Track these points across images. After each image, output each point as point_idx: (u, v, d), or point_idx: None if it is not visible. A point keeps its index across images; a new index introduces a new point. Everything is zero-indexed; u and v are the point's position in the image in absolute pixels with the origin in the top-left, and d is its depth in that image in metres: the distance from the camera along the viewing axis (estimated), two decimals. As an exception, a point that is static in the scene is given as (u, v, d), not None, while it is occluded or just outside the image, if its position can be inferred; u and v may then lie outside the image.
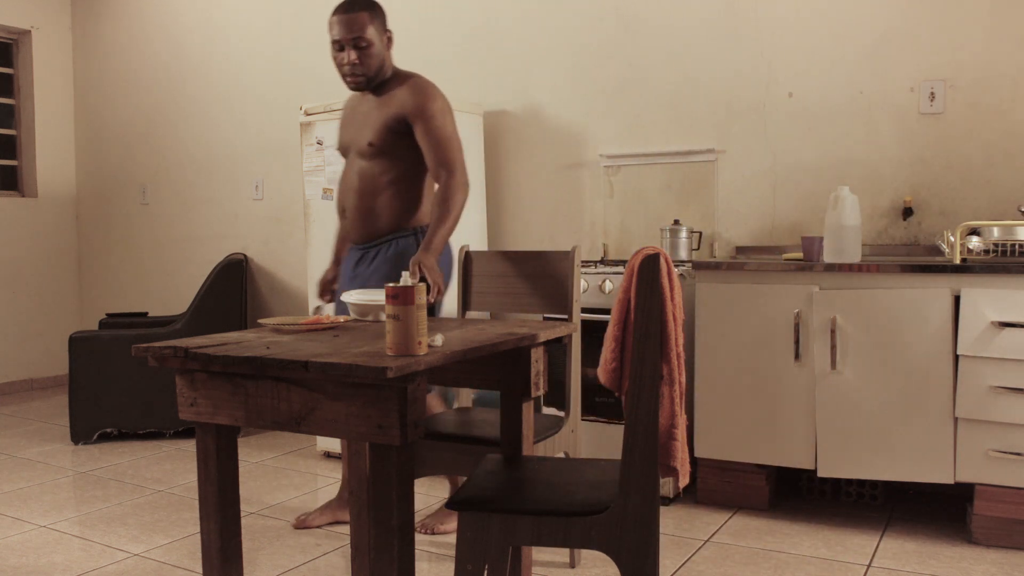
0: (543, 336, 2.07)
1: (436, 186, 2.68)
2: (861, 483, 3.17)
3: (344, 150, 2.86)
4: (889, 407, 2.84)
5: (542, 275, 2.69)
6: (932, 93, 3.29)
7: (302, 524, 3.02)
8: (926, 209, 3.33)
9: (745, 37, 3.62)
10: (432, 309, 2.65)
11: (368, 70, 2.70)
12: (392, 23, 4.58)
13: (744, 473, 3.13)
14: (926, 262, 2.87)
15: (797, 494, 3.27)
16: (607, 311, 3.26)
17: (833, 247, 2.96)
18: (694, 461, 3.19)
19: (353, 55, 2.66)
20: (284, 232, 4.95)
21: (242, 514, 3.16)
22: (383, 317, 2.25)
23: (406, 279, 1.70)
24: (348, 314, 2.64)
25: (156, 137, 5.51)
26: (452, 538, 2.88)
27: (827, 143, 3.48)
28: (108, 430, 4.28)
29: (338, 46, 2.68)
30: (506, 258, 2.78)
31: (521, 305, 2.72)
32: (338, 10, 2.69)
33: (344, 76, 2.72)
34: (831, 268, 2.91)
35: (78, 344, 4.24)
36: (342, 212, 2.85)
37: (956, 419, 2.76)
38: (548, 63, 4.08)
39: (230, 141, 5.14)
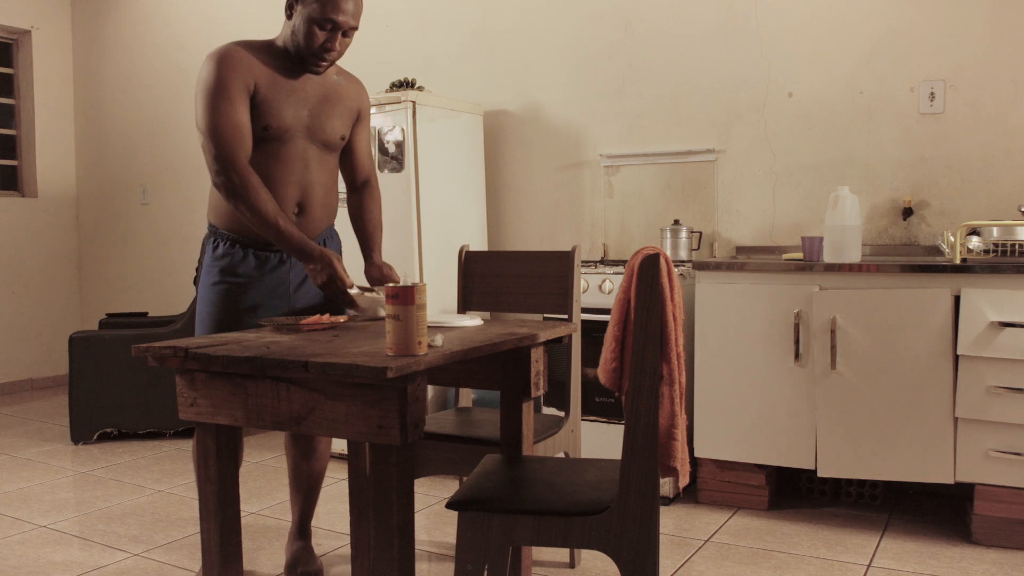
0: (543, 336, 2.07)
1: (364, 187, 2.60)
2: (861, 483, 3.17)
3: (287, 131, 2.35)
4: (889, 407, 2.84)
5: (542, 275, 2.68)
6: (932, 93, 3.29)
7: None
8: (926, 209, 3.33)
9: (745, 37, 3.62)
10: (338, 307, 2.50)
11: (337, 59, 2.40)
12: (392, 23, 4.61)
13: (744, 473, 3.13)
14: (926, 262, 2.87)
15: (797, 494, 3.27)
16: (607, 311, 3.26)
17: (833, 247, 2.96)
18: (694, 461, 3.19)
19: (339, 43, 2.32)
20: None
21: (242, 514, 3.16)
22: (381, 313, 2.25)
23: (406, 279, 1.70)
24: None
25: (156, 137, 5.51)
26: (452, 538, 2.88)
27: (827, 143, 3.48)
28: (108, 430, 4.28)
29: (330, 26, 2.26)
30: (506, 258, 2.78)
31: (521, 305, 2.72)
32: None
33: (317, 59, 2.32)
34: (831, 268, 2.91)
35: (78, 344, 4.23)
36: (294, 207, 2.40)
37: (956, 419, 2.76)
38: (548, 63, 4.08)
39: (230, 141, 5.13)
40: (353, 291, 2.28)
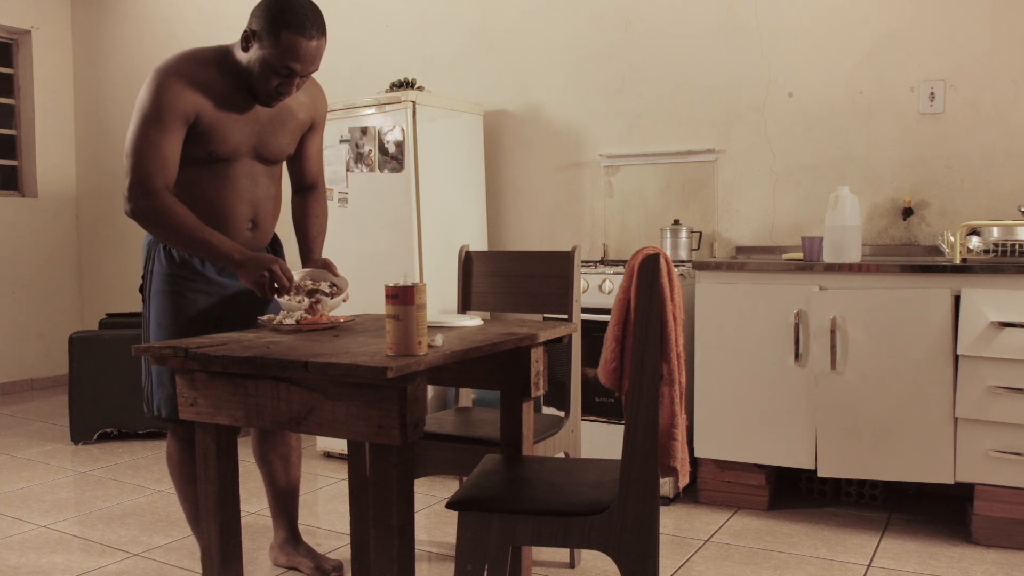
0: (543, 336, 2.07)
1: (311, 190, 2.60)
2: (861, 483, 3.17)
3: (233, 152, 2.29)
4: (889, 407, 2.84)
5: (542, 275, 2.68)
6: (932, 93, 3.29)
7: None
8: (926, 209, 3.33)
9: (745, 37, 3.62)
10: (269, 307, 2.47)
11: None
12: (392, 23, 4.61)
13: (744, 473, 3.13)
14: (926, 262, 2.87)
15: (797, 494, 3.27)
16: (607, 311, 3.26)
17: (833, 247, 2.96)
18: (694, 461, 3.19)
19: (295, 85, 2.21)
20: (280, 232, 4.94)
21: (242, 514, 3.16)
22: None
23: (405, 279, 1.70)
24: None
25: (156, 137, 5.50)
26: (452, 538, 2.88)
27: (827, 143, 3.48)
28: (108, 430, 4.28)
29: (286, 72, 2.15)
30: (506, 258, 2.78)
31: (521, 305, 2.72)
32: (304, 32, 2.11)
33: (268, 98, 2.23)
34: (831, 268, 2.91)
35: (78, 344, 4.23)
36: (248, 224, 2.39)
37: (956, 419, 2.76)
38: (548, 63, 4.08)
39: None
40: (283, 300, 2.20)
